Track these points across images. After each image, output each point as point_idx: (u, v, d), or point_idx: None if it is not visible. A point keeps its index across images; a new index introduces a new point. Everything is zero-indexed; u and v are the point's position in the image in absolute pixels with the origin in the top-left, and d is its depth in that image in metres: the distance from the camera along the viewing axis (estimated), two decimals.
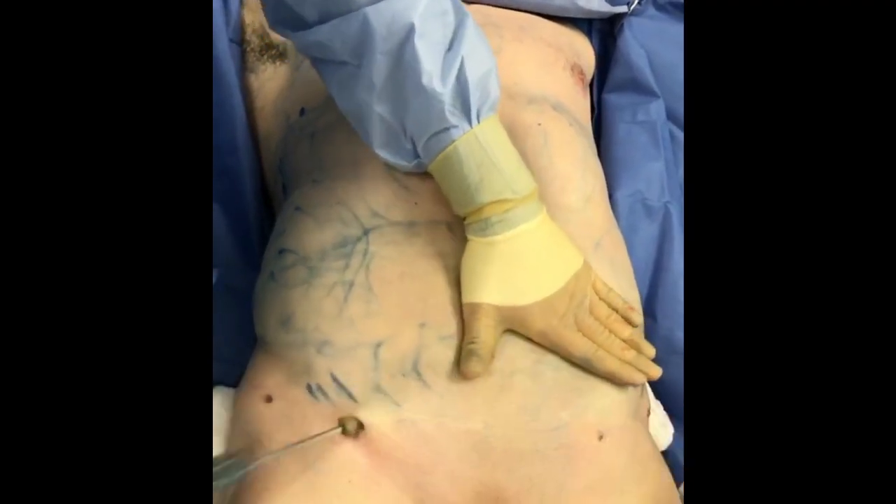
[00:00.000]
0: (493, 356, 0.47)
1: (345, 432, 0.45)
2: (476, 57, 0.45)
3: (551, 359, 0.48)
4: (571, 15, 0.76)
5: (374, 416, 0.45)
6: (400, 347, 0.47)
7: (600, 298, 0.51)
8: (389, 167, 0.52)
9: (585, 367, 0.48)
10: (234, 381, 0.55)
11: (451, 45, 0.45)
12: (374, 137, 0.48)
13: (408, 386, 0.46)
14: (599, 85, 0.78)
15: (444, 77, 0.44)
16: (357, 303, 0.48)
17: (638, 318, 0.52)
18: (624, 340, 0.50)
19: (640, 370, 0.49)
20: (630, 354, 0.49)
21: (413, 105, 0.45)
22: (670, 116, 0.74)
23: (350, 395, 0.46)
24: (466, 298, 0.48)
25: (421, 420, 0.46)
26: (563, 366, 0.48)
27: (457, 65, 0.44)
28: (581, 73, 0.71)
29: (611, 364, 0.48)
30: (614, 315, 0.51)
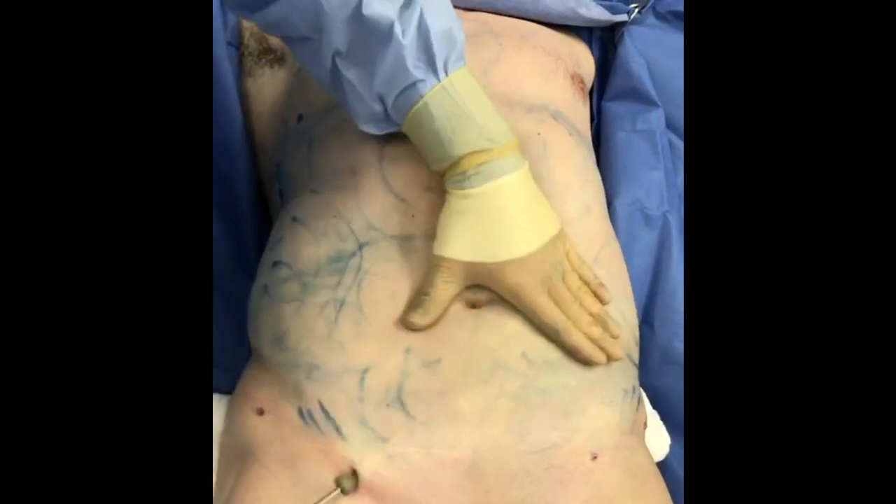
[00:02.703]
0: (441, 313, 0.47)
1: (343, 492, 0.44)
2: (435, 9, 0.44)
3: (540, 383, 0.47)
4: (571, 23, 0.76)
5: (364, 457, 0.45)
6: (385, 374, 0.46)
7: (573, 269, 0.50)
8: (384, 178, 0.52)
9: (551, 336, 0.48)
10: (227, 386, 0.54)
11: (408, 1, 0.44)
12: (352, 109, 0.48)
13: (392, 418, 0.46)
14: (599, 93, 0.78)
15: (404, 29, 0.43)
16: (347, 323, 0.47)
17: (608, 295, 0.51)
18: (592, 315, 0.49)
19: (604, 349, 0.48)
20: (596, 331, 0.49)
21: (379, 63, 0.44)
22: (670, 125, 0.74)
23: (337, 429, 0.46)
24: (435, 251, 0.47)
25: (410, 453, 0.45)
26: (552, 388, 0.47)
27: (416, 17, 0.43)
28: (581, 81, 0.70)
29: (577, 339, 0.47)
30: (584, 288, 0.50)
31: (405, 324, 0.47)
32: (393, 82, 0.45)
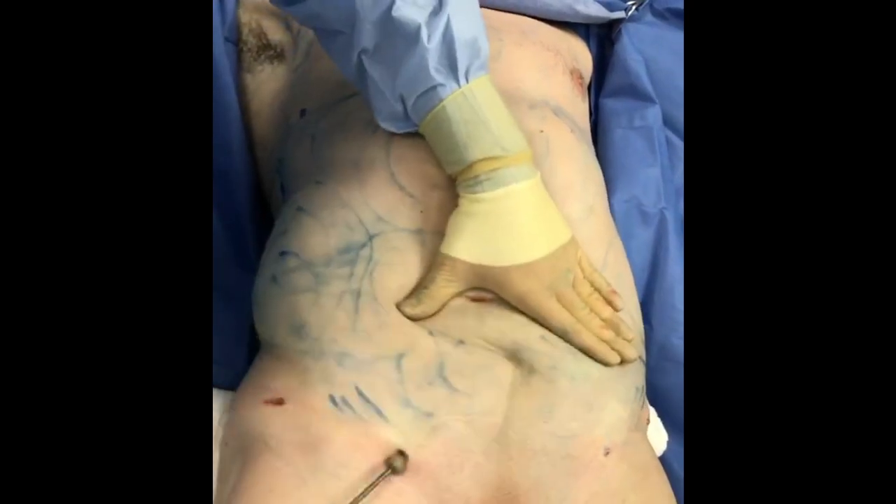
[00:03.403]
0: (436, 309, 0.48)
1: (395, 472, 0.45)
2: (463, 18, 0.45)
3: (567, 366, 0.48)
4: (569, 20, 0.76)
5: (409, 436, 0.46)
6: (422, 358, 0.47)
7: (584, 277, 0.51)
8: (391, 173, 0.52)
9: (562, 338, 0.48)
10: (226, 383, 0.54)
11: (438, 8, 0.45)
12: (373, 106, 0.49)
13: (436, 394, 0.46)
14: (596, 90, 0.78)
15: (430, 34, 0.45)
16: (367, 314, 0.48)
17: (620, 302, 0.52)
18: (603, 320, 0.50)
19: (616, 350, 0.49)
20: (608, 334, 0.50)
21: (403, 65, 0.46)
22: (667, 122, 0.74)
23: (378, 412, 0.46)
24: (441, 249, 0.48)
25: (452, 421, 0.46)
26: (579, 376, 0.48)
27: (443, 23, 0.45)
28: (580, 77, 0.70)
29: (587, 339, 0.48)
30: (596, 295, 0.51)
31: (399, 309, 0.48)
32: (414, 84, 0.46)
